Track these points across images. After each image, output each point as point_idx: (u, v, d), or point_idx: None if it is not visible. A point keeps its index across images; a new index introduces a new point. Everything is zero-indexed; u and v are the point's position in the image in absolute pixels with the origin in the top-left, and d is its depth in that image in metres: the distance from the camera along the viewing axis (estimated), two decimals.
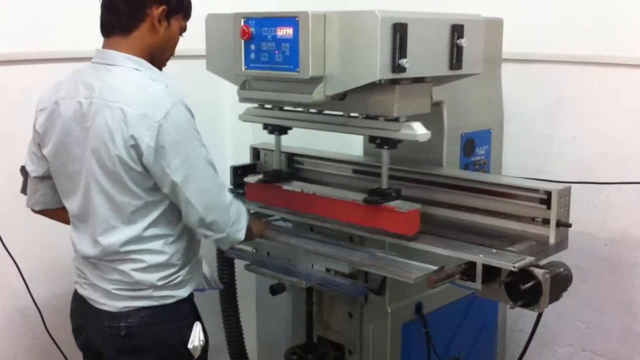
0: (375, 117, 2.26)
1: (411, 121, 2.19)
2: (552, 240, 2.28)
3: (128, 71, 2.01)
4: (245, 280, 2.77)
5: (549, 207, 2.28)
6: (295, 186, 2.62)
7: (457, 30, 2.21)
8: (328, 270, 2.45)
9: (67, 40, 2.83)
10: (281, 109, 2.53)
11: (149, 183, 1.99)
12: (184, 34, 2.18)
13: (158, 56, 2.11)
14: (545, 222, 2.30)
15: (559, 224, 2.28)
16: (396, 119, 2.19)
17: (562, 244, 2.31)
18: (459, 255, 2.17)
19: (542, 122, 3.21)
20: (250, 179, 2.74)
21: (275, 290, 2.63)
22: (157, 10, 2.04)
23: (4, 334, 2.86)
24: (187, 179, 1.96)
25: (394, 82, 2.12)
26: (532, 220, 2.34)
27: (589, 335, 3.23)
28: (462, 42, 2.22)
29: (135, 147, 1.92)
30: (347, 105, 2.27)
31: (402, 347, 2.57)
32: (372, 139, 2.30)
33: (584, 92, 3.09)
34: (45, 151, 2.12)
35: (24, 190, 2.28)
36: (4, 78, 2.73)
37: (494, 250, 2.19)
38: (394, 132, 2.20)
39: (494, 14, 2.72)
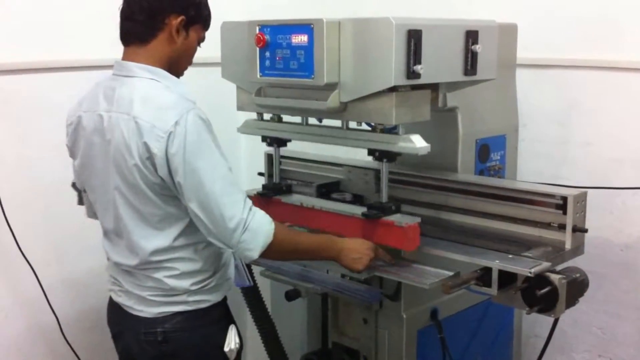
0: (374, 129, 2.24)
1: (410, 133, 2.17)
2: (568, 245, 2.27)
3: (142, 82, 2.02)
4: (261, 286, 2.78)
5: (564, 213, 2.27)
6: (294, 199, 2.61)
7: (471, 36, 2.22)
8: (343, 276, 2.45)
9: (79, 49, 2.86)
10: (280, 121, 2.51)
11: (169, 192, 1.99)
12: (202, 44, 2.19)
13: (175, 66, 2.11)
14: (562, 227, 2.28)
15: (575, 229, 2.26)
16: (395, 132, 2.17)
17: (578, 249, 2.30)
18: (475, 261, 2.17)
19: (558, 127, 3.20)
20: (249, 192, 2.68)
21: (290, 296, 2.63)
22: (176, 20, 2.04)
23: (22, 342, 2.88)
24: (193, 190, 1.93)
25: (392, 89, 2.10)
26: (548, 225, 2.33)
27: (605, 341, 3.21)
28: (477, 47, 2.23)
29: (150, 158, 1.93)
30: (347, 114, 2.24)
31: (418, 353, 2.56)
32: (371, 152, 2.28)
33: (599, 97, 3.07)
34: (75, 164, 2.18)
35: (80, 202, 2.34)
36: (17, 86, 2.77)
37: (510, 256, 2.18)
38: (393, 144, 2.19)
39: (508, 19, 2.72)
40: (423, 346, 2.56)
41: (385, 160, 2.26)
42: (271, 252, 2.04)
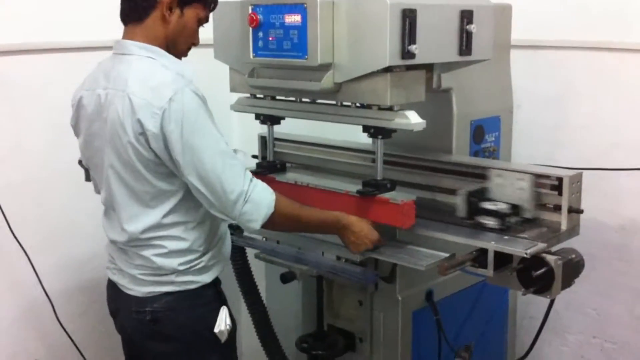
0: (369, 106, 2.21)
1: (405, 110, 2.15)
2: (563, 226, 2.26)
3: (139, 60, 2.02)
4: (255, 269, 2.77)
5: (560, 193, 2.26)
6: (289, 177, 2.59)
7: (466, 16, 2.20)
8: (338, 258, 2.45)
9: (78, 30, 2.83)
10: (273, 99, 2.48)
11: (163, 169, 2.00)
12: (204, 25, 2.15)
13: (173, 44, 2.09)
14: (557, 208, 2.28)
15: (570, 210, 2.26)
16: (390, 108, 2.15)
17: (574, 230, 2.30)
18: (471, 242, 2.17)
19: (552, 109, 3.20)
20: None
21: (285, 278, 2.62)
22: None
23: (17, 326, 2.87)
24: (192, 166, 1.94)
25: (387, 70, 2.07)
26: (544, 206, 2.32)
27: (599, 322, 3.23)
28: (472, 27, 2.21)
29: (143, 134, 1.94)
30: (341, 94, 2.22)
31: (413, 334, 2.56)
32: (365, 129, 2.26)
33: (594, 79, 3.07)
34: (78, 143, 2.20)
35: (88, 179, 2.35)
36: (12, 68, 2.73)
37: (506, 237, 2.17)
38: (388, 121, 2.17)
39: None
40: (418, 328, 2.57)
41: (380, 137, 2.25)
42: (273, 223, 2.07)
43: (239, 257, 2.72)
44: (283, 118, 2.57)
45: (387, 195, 2.27)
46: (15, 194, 2.73)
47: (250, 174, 2.05)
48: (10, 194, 2.72)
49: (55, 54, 2.79)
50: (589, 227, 2.49)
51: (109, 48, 2.13)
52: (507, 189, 2.33)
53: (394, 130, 2.21)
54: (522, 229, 2.24)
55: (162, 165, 1.99)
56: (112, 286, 2.23)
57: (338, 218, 2.23)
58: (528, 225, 2.27)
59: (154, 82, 1.96)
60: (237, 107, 2.59)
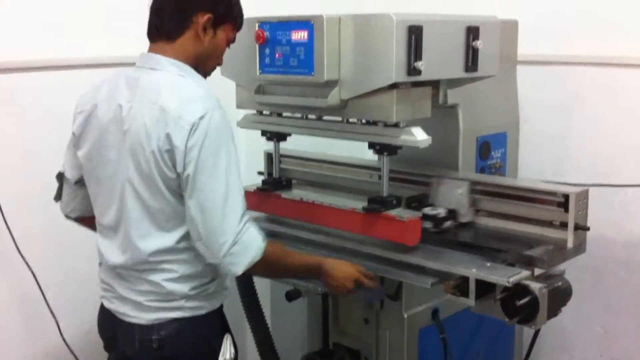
0: (375, 123, 2.21)
1: (411, 126, 2.14)
2: (570, 243, 2.26)
3: (171, 75, 1.97)
4: (261, 287, 2.75)
5: (566, 210, 2.26)
6: (295, 194, 2.58)
7: (472, 32, 2.20)
8: None
9: (84, 47, 2.84)
10: (279, 116, 2.49)
11: (181, 190, 1.94)
12: (231, 45, 2.13)
13: (202, 65, 2.06)
14: (563, 225, 2.27)
15: (577, 227, 2.25)
16: (396, 125, 2.15)
17: (580, 247, 2.29)
18: (452, 270, 2.13)
19: (559, 124, 3.19)
20: (249, 187, 2.68)
21: (291, 296, 2.60)
22: (203, 18, 1.99)
23: (21, 341, 2.86)
24: (197, 187, 1.88)
25: (393, 86, 2.07)
26: (550, 223, 2.32)
27: (607, 339, 3.20)
28: (478, 44, 2.21)
29: (170, 151, 1.88)
30: (347, 111, 2.22)
31: (419, 353, 2.54)
32: (371, 145, 2.26)
33: (600, 93, 3.07)
34: (79, 153, 2.10)
35: (58, 197, 2.27)
36: (23, 84, 2.74)
37: (488, 264, 2.13)
38: (394, 137, 2.17)
39: (510, 15, 2.71)
40: (424, 346, 2.55)
41: (386, 153, 2.24)
42: (257, 269, 1.98)
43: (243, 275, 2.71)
44: (289, 135, 2.56)
45: (392, 212, 2.26)
46: (21, 208, 2.73)
47: (247, 216, 1.95)
48: (16, 208, 2.71)
49: (64, 70, 2.79)
50: (596, 242, 2.48)
51: (117, 65, 2.11)
52: (446, 195, 2.48)
53: (400, 147, 2.21)
54: (528, 246, 2.23)
55: (181, 187, 1.93)
56: (107, 315, 2.14)
57: (320, 264, 2.19)
58: (534, 243, 2.26)
59: (187, 96, 1.91)
60: (244, 124, 2.59)
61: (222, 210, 1.89)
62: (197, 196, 1.89)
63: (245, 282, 2.70)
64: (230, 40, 2.11)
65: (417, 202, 2.48)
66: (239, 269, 1.93)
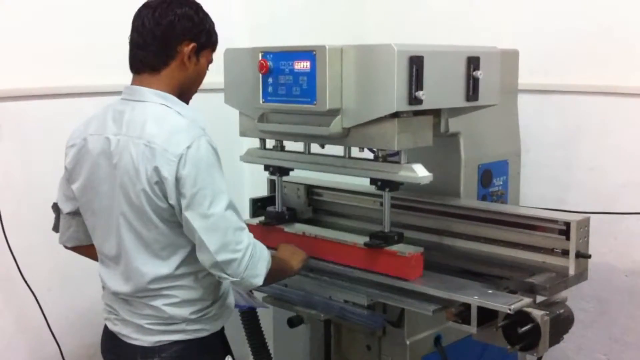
0: (377, 158, 2.26)
1: (412, 163, 2.17)
2: (571, 271, 2.26)
3: (154, 107, 2.01)
4: (263, 313, 2.76)
5: (568, 238, 2.27)
6: (297, 229, 2.61)
7: (473, 62, 2.23)
8: (346, 301, 2.44)
9: (88, 75, 2.89)
10: (282, 150, 2.53)
11: (176, 219, 1.97)
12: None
13: (187, 91, 2.10)
14: (565, 253, 2.28)
15: (578, 255, 2.26)
16: (398, 161, 2.18)
17: (582, 275, 2.29)
18: (454, 297, 2.13)
19: (561, 153, 3.21)
20: (252, 220, 2.73)
21: (293, 322, 2.61)
22: (187, 48, 2.03)
23: None
24: (200, 217, 1.91)
25: (394, 115, 2.10)
26: (552, 251, 2.32)
27: None
28: (478, 73, 2.24)
29: (159, 183, 1.92)
30: (349, 139, 2.25)
31: None
32: (373, 182, 2.29)
33: (602, 122, 3.08)
34: (74, 187, 2.14)
35: (56, 228, 2.30)
36: (27, 111, 2.78)
37: (490, 291, 2.14)
38: (395, 174, 2.19)
39: (512, 44, 2.74)
40: None
41: (387, 189, 2.27)
42: (268, 277, 2.06)
43: (246, 312, 2.72)
44: (292, 169, 2.60)
45: (394, 248, 2.29)
46: (25, 234, 2.75)
47: (246, 226, 2.03)
48: (19, 235, 2.73)
49: (66, 98, 2.84)
50: (599, 271, 2.49)
51: (111, 93, 2.14)
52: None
53: (402, 183, 2.24)
54: (529, 274, 2.23)
55: (175, 216, 1.96)
56: (110, 337, 2.16)
57: (282, 257, 2.30)
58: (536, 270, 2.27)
59: (172, 130, 1.94)
60: (247, 158, 2.63)
61: (232, 227, 1.95)
62: (205, 223, 1.92)
63: (248, 312, 2.71)
64: (210, 63, 2.15)
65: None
66: (260, 280, 2.02)
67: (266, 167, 2.62)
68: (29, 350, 2.87)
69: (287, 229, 2.62)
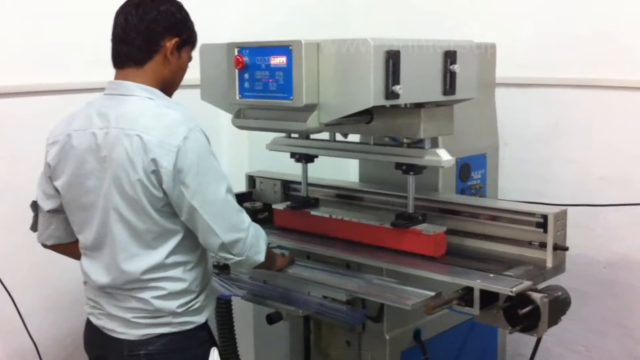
0: (400, 143, 2.36)
1: (436, 148, 2.28)
2: (549, 264, 2.27)
3: (143, 100, 2.05)
4: (242, 310, 2.75)
5: (545, 231, 2.28)
6: (324, 211, 2.70)
7: (449, 57, 2.23)
8: (325, 297, 2.43)
9: (72, 72, 2.86)
10: (307, 138, 2.63)
11: (169, 209, 2.02)
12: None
13: (169, 85, 2.15)
14: (542, 245, 2.29)
15: (556, 247, 2.27)
16: (421, 146, 2.30)
17: (559, 267, 2.30)
18: (457, 281, 2.17)
19: (540, 146, 3.22)
20: (279, 205, 2.83)
21: (272, 319, 2.60)
22: (170, 43, 2.09)
23: None
24: (206, 203, 1.99)
25: (418, 105, 2.20)
26: (529, 244, 2.33)
27: (589, 359, 3.21)
28: (455, 67, 2.23)
29: (156, 172, 1.96)
30: (373, 129, 2.34)
31: None
32: (398, 166, 2.37)
33: (581, 116, 3.10)
34: (57, 184, 2.14)
35: (34, 227, 2.28)
36: (12, 109, 2.76)
37: (492, 275, 2.17)
38: (420, 158, 2.29)
39: (494, 39, 2.74)
40: None
41: (412, 173, 2.37)
42: (270, 259, 2.26)
43: (223, 302, 2.70)
44: (316, 156, 2.69)
45: (419, 227, 2.39)
46: (1, 235, 2.72)
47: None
48: None
49: (49, 95, 2.83)
50: (578, 263, 2.50)
51: (97, 90, 2.13)
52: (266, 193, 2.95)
53: (425, 167, 2.33)
54: (507, 266, 2.25)
55: (168, 205, 2.01)
56: (95, 331, 2.17)
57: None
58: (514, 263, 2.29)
59: (167, 122, 1.99)
60: (273, 147, 2.74)
61: (232, 214, 2.06)
62: (211, 208, 2.01)
63: (224, 311, 2.69)
64: (190, 59, 2.21)
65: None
66: (262, 256, 2.15)
67: (292, 155, 2.72)
68: (5, 350, 2.84)
69: (313, 212, 2.71)
